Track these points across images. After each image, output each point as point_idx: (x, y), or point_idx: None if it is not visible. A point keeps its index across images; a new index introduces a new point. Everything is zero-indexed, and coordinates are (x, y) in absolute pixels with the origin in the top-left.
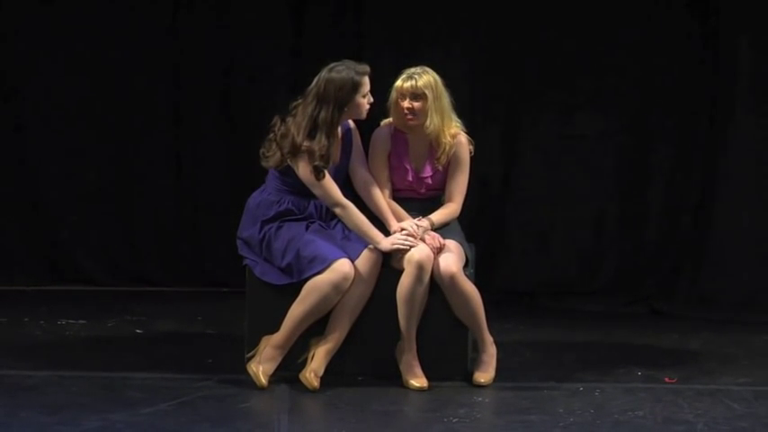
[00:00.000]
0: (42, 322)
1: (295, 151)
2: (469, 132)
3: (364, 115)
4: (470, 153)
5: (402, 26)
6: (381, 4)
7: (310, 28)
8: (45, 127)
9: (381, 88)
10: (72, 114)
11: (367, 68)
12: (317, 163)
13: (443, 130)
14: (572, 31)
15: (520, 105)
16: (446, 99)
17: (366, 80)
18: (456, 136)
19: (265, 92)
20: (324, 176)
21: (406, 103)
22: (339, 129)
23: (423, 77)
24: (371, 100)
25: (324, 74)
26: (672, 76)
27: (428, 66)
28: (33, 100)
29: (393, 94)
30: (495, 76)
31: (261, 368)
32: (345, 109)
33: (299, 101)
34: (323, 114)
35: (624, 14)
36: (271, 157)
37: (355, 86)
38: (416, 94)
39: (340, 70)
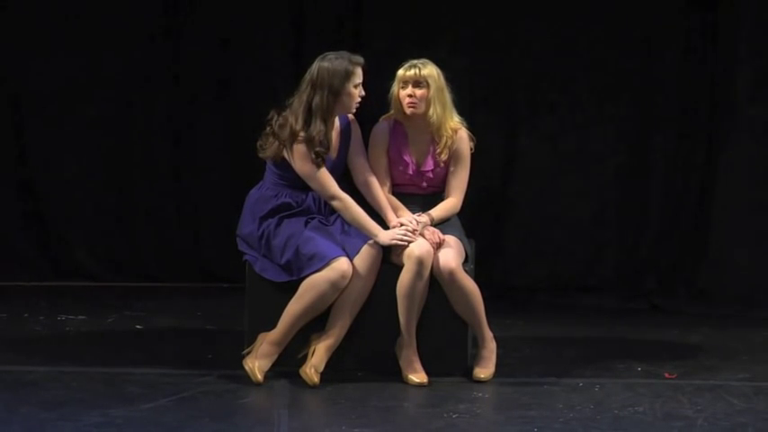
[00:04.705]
0: (42, 318)
1: (293, 139)
2: (470, 128)
3: (354, 108)
4: (471, 149)
5: (402, 25)
6: (381, 2)
7: (311, 28)
8: (45, 124)
9: (381, 85)
10: (71, 111)
11: (360, 60)
12: (317, 149)
13: (445, 123)
14: (572, 28)
15: (520, 102)
16: (447, 93)
17: (359, 71)
18: (457, 131)
19: (265, 89)
20: (323, 164)
21: (407, 91)
22: (337, 120)
23: (426, 67)
24: (363, 93)
25: (317, 62)
26: (671, 73)
27: None
28: (33, 97)
29: (394, 87)
30: (495, 74)
31: (257, 364)
32: (339, 96)
33: (295, 96)
34: (317, 100)
35: (624, 12)
36: (268, 148)
37: (348, 75)
38: (418, 82)
39: (332, 59)
